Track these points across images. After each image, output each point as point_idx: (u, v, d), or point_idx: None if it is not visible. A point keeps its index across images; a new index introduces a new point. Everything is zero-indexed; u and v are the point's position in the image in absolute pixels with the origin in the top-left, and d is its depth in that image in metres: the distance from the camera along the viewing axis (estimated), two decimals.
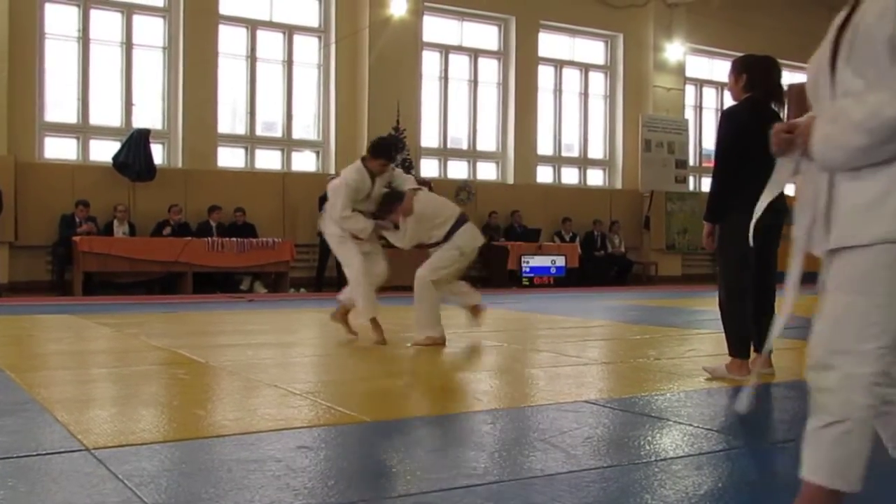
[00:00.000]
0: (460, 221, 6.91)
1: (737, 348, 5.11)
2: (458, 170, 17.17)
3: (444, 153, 17.05)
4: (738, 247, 4.90)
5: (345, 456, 3.43)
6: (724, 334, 5.20)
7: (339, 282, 14.31)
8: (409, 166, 14.92)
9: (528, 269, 15.85)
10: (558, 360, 6.24)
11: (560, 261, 16.12)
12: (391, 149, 7.29)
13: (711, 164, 5.47)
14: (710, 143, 19.75)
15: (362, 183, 6.92)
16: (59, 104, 13.96)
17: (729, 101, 5.30)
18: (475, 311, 7.24)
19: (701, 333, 7.91)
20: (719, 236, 5.16)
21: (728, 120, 5.17)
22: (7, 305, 10.66)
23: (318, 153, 15.84)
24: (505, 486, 2.98)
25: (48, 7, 13.56)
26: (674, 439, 3.68)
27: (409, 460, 3.32)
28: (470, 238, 6.93)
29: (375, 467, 3.21)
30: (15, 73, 12.86)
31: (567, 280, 15.93)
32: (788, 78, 19.76)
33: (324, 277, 14.32)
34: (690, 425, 3.89)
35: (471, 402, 4.53)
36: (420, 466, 3.22)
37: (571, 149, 18.49)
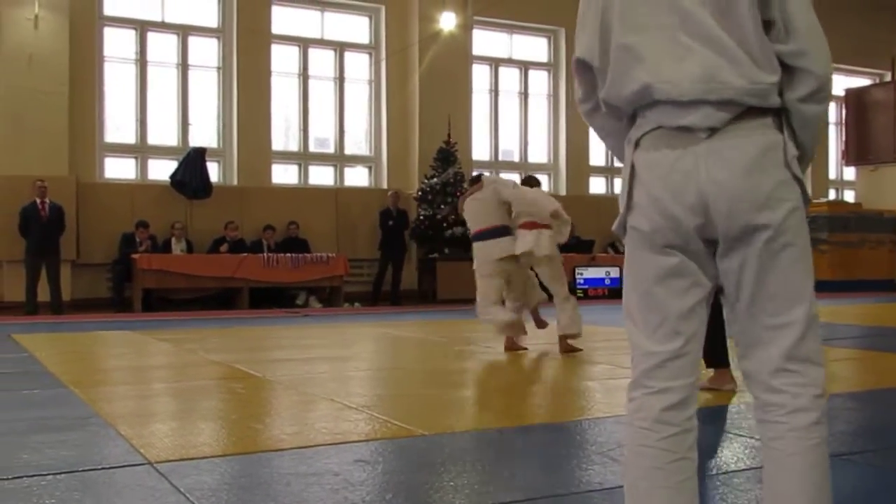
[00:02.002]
0: (477, 237, 7.31)
1: (714, 360, 4.96)
2: None
3: (496, 165, 17.05)
4: None
5: (402, 470, 3.44)
6: None
7: (394, 296, 14.43)
8: (461, 180, 14.95)
9: (581, 281, 15.74)
10: (614, 372, 6.18)
11: (614, 272, 15.98)
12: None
13: None
14: None
15: None
16: (118, 125, 14.27)
17: None
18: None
19: None
20: None
21: None
22: (69, 322, 10.90)
23: (370, 168, 15.95)
24: (563, 500, 2.96)
25: (107, 31, 13.90)
26: (735, 452, 3.63)
27: (466, 474, 3.31)
28: (476, 255, 7.32)
29: (433, 481, 3.21)
30: (76, 96, 13.18)
31: (622, 291, 15.76)
32: (844, 83, 19.50)
33: (380, 292, 14.41)
34: (752, 437, 3.83)
35: (527, 416, 4.51)
36: (477, 480, 3.22)
37: None
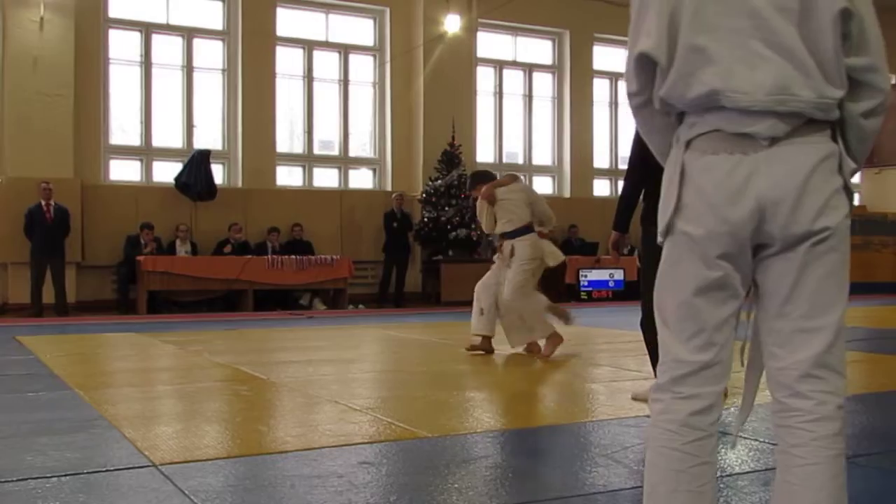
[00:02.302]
0: (522, 231, 7.20)
1: None
2: None
3: (500, 168, 17.00)
4: (655, 262, 4.43)
5: (406, 471, 3.44)
6: (647, 356, 4.93)
7: (398, 298, 14.43)
8: (465, 182, 14.95)
9: (586, 283, 15.75)
10: (618, 374, 6.18)
11: (618, 274, 15.98)
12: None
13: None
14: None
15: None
16: (122, 127, 14.30)
17: None
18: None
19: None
20: (641, 249, 4.89)
21: None
22: (75, 324, 10.91)
23: (374, 170, 15.96)
24: (567, 501, 2.96)
25: (112, 33, 13.92)
26: (739, 454, 3.62)
27: (470, 476, 3.31)
28: (524, 249, 7.15)
29: (437, 483, 3.21)
30: (80, 99, 13.19)
31: (626, 294, 15.78)
32: None
33: (386, 294, 14.42)
34: (756, 440, 3.83)
35: (531, 418, 4.51)
36: (481, 482, 3.22)
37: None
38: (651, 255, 4.66)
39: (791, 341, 1.91)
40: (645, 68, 1.94)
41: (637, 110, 2.05)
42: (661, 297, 2.00)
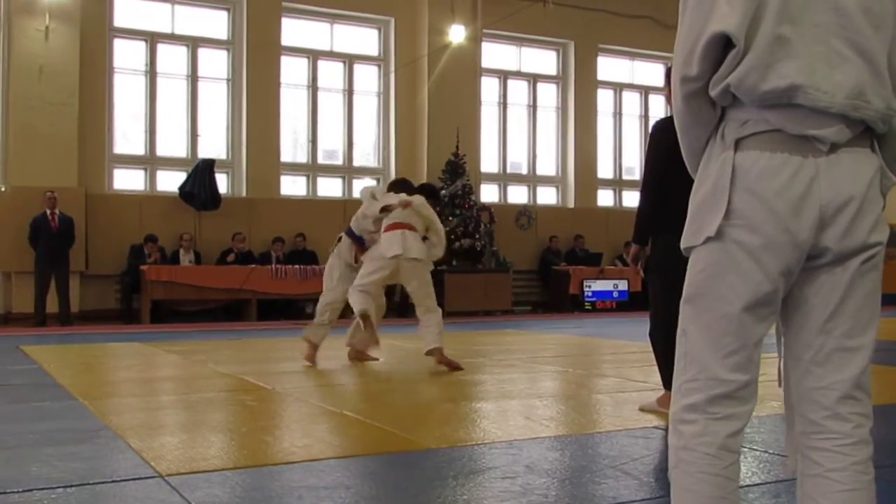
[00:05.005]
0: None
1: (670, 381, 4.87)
2: (517, 195, 17.16)
3: (504, 178, 17.05)
4: (668, 271, 4.30)
5: (414, 483, 3.41)
6: (657, 366, 4.88)
7: (402, 308, 14.39)
8: (469, 192, 14.95)
9: (590, 294, 15.72)
10: (624, 385, 6.15)
11: (622, 285, 15.95)
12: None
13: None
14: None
15: None
16: (127, 136, 14.31)
17: None
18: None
19: (772, 356, 7.72)
20: (649, 259, 4.82)
21: (659, 133, 4.77)
22: (78, 334, 10.90)
23: (378, 180, 15.93)
24: None
25: (117, 42, 13.95)
26: (749, 466, 3.59)
27: (477, 488, 3.29)
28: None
29: (445, 495, 3.18)
30: (85, 108, 13.22)
31: (630, 304, 15.76)
32: None
33: (391, 303, 14.38)
34: (766, 452, 3.80)
35: (538, 429, 4.48)
36: (489, 494, 3.19)
37: (632, 172, 18.34)
38: (663, 266, 4.63)
39: (831, 360, 1.83)
40: (714, 52, 1.75)
41: (688, 98, 1.83)
42: (697, 309, 1.86)
